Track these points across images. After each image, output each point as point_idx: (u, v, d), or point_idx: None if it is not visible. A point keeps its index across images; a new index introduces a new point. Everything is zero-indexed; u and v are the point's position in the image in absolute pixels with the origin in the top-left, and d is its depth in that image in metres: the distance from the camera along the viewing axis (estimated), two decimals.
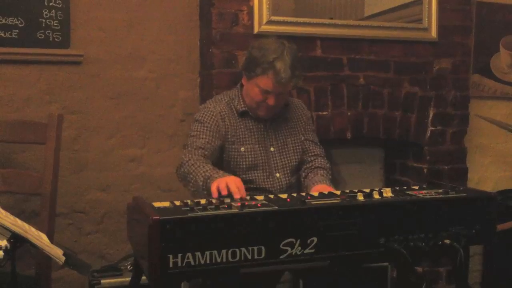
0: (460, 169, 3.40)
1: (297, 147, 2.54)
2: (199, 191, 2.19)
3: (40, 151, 2.77)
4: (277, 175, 2.47)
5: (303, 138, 2.57)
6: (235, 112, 2.47)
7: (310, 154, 2.59)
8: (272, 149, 2.48)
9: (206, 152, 2.32)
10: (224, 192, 1.96)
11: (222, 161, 2.43)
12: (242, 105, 2.46)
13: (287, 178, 2.49)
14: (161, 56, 3.11)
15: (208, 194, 2.08)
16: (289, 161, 2.51)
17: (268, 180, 2.44)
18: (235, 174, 2.35)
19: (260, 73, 2.32)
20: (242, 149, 2.43)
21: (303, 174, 2.56)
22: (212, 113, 2.42)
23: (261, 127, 2.48)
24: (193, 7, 3.13)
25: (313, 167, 2.56)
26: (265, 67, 2.30)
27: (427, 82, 3.29)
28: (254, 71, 2.34)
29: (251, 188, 2.38)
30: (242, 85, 2.51)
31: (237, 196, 1.96)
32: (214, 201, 1.88)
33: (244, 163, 2.43)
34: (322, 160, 2.60)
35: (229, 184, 1.99)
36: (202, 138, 2.35)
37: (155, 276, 1.63)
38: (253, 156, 2.44)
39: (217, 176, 2.10)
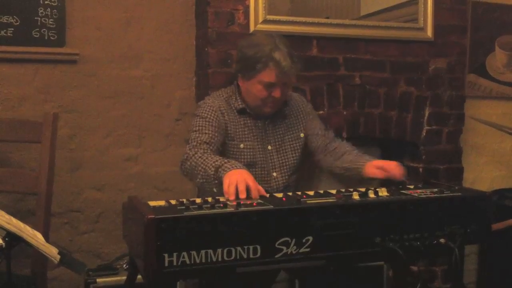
0: (455, 169, 3.41)
1: (295, 145, 2.51)
2: (209, 182, 2.14)
3: (35, 150, 2.76)
4: (274, 174, 2.44)
5: (302, 135, 2.53)
6: (233, 108, 2.44)
7: (328, 145, 2.52)
8: (269, 147, 2.46)
9: (211, 147, 2.29)
10: (232, 197, 1.91)
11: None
12: (240, 103, 2.44)
13: (284, 178, 2.46)
14: (157, 56, 3.10)
15: (220, 184, 2.05)
16: (287, 160, 2.48)
17: (265, 179, 2.42)
18: None
19: (260, 68, 2.29)
20: (242, 145, 2.41)
21: (335, 160, 2.48)
22: (212, 108, 2.40)
23: (259, 125, 2.46)
24: (189, 6, 3.13)
25: (343, 151, 2.48)
26: (265, 61, 2.28)
27: (423, 82, 3.30)
28: (254, 68, 2.30)
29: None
30: (237, 85, 2.49)
31: (243, 196, 1.92)
32: (209, 199, 1.88)
33: (243, 160, 2.40)
34: (342, 142, 2.56)
35: (238, 184, 1.95)
36: (206, 133, 2.32)
37: (150, 275, 1.63)
38: (252, 153, 2.42)
39: (228, 166, 2.06)
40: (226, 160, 2.13)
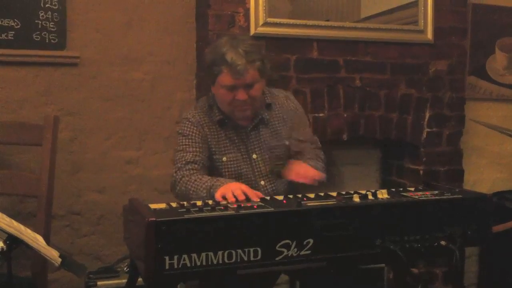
0: (456, 171, 3.41)
1: (281, 153, 2.41)
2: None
3: (36, 153, 2.76)
4: (262, 182, 2.37)
5: (287, 143, 2.42)
6: (214, 121, 2.37)
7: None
8: (254, 156, 2.37)
9: (197, 165, 2.26)
10: (232, 200, 1.92)
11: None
12: (217, 114, 2.36)
13: (272, 185, 2.39)
14: (158, 58, 3.11)
15: None
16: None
17: (253, 188, 2.24)
18: None
19: (217, 72, 2.23)
20: (224, 158, 2.34)
21: None
22: (192, 124, 2.34)
23: (241, 134, 2.38)
24: (190, 8, 3.13)
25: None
26: (218, 64, 2.22)
27: (423, 84, 3.30)
28: (212, 73, 2.26)
29: None
30: None
31: (241, 198, 1.92)
32: (210, 202, 1.88)
33: (227, 173, 2.34)
34: (312, 151, 2.47)
35: (234, 191, 1.95)
36: (190, 152, 2.28)
37: (151, 278, 1.63)
38: (236, 165, 2.35)
39: (218, 183, 2.06)
40: (216, 179, 2.13)
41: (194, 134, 2.32)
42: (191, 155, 2.27)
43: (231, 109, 2.31)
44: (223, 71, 2.21)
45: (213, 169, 2.35)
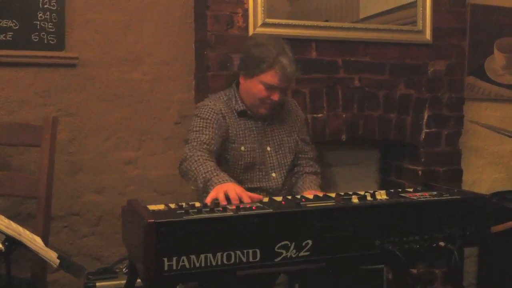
0: (455, 171, 3.41)
1: (292, 147, 2.56)
2: (199, 192, 2.19)
3: (35, 154, 2.76)
4: (273, 174, 2.48)
5: (297, 138, 2.59)
6: (234, 111, 2.47)
7: (303, 157, 2.61)
8: (268, 148, 2.49)
9: (210, 148, 2.31)
10: (223, 202, 1.92)
11: (221, 159, 2.43)
12: (240, 105, 2.46)
13: (282, 177, 2.50)
14: (157, 59, 3.11)
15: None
16: (285, 161, 2.53)
17: (264, 179, 2.46)
18: (233, 173, 2.37)
19: (265, 69, 2.32)
20: (242, 148, 2.43)
21: (293, 179, 2.58)
22: (213, 110, 2.41)
23: (259, 126, 2.49)
24: (188, 9, 3.13)
25: (303, 172, 2.59)
26: (271, 62, 2.31)
27: (422, 84, 3.30)
28: (258, 67, 2.34)
29: (248, 188, 2.36)
30: (237, 85, 2.50)
31: (236, 202, 1.92)
32: (209, 203, 1.88)
33: (243, 162, 2.43)
34: (314, 164, 2.64)
35: (228, 192, 1.96)
36: (206, 134, 2.34)
37: (150, 279, 1.63)
38: (251, 155, 2.44)
39: (216, 180, 2.08)
40: (216, 173, 2.14)
41: (212, 119, 2.39)
42: (206, 137, 2.33)
43: (258, 104, 2.42)
44: (274, 70, 2.32)
45: (229, 157, 2.43)
